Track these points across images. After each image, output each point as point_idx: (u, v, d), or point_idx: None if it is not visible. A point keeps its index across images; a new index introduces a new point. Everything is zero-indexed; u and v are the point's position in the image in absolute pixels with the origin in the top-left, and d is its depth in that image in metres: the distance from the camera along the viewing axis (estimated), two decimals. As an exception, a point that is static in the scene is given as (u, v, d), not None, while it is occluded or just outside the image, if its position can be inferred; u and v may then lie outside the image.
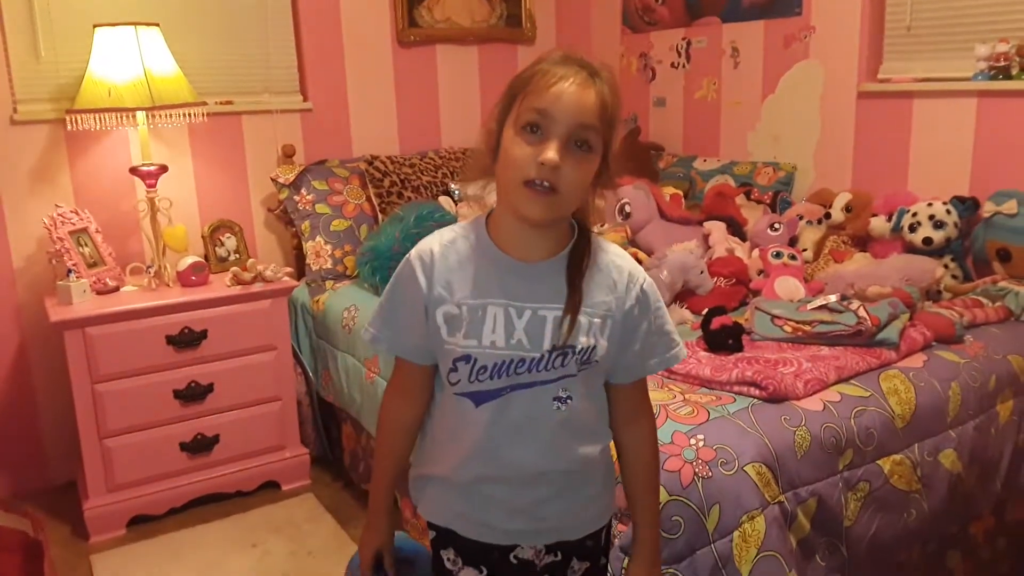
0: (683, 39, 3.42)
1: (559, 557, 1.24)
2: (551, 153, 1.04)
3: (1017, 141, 2.42)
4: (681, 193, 3.11)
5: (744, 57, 3.19)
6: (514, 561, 1.22)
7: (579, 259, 1.14)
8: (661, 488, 1.44)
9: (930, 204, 2.44)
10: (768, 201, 2.94)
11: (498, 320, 1.11)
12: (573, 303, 1.11)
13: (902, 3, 2.71)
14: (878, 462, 1.68)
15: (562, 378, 1.13)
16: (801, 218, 2.75)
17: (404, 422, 1.26)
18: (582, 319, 1.12)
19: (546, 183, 1.05)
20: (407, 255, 1.18)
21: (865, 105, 2.81)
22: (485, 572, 1.23)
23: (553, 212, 1.08)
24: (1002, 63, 2.41)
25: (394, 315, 1.20)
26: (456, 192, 3.04)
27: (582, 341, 1.12)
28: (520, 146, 1.06)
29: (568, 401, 1.14)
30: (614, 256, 1.18)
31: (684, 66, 3.44)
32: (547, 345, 1.11)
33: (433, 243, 1.17)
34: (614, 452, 1.26)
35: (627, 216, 2.82)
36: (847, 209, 2.73)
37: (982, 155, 2.51)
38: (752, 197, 2.98)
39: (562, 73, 1.07)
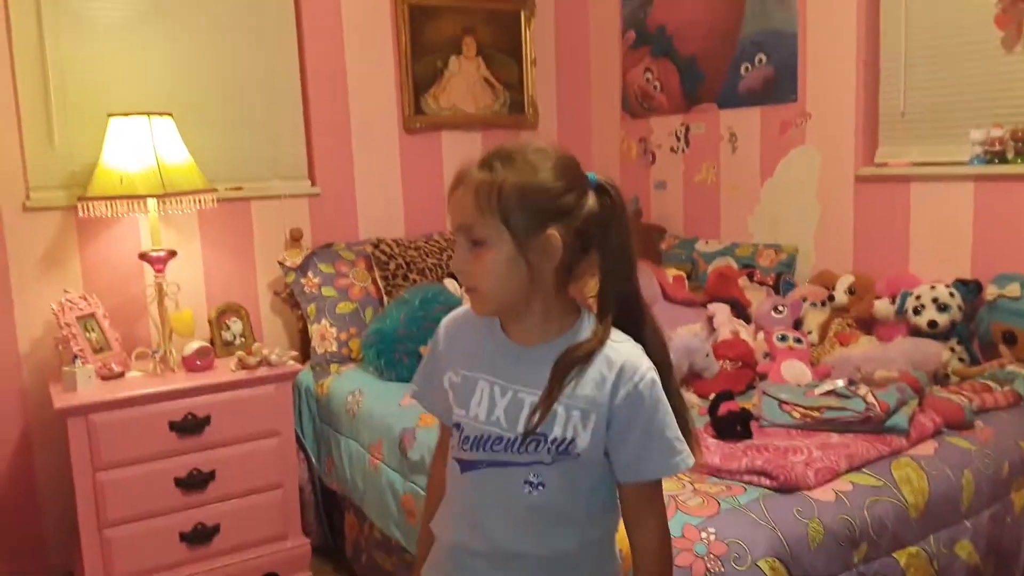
0: (682, 124, 3.50)
1: None
2: (452, 262, 1.17)
3: (1016, 224, 2.45)
4: (684, 275, 3.13)
5: (742, 142, 3.26)
6: None
7: (573, 351, 1.11)
8: (673, 585, 1.41)
9: (933, 287, 2.45)
10: (771, 283, 2.96)
11: (484, 395, 1.16)
12: (548, 392, 1.11)
13: (896, 89, 2.78)
14: (894, 555, 1.64)
15: (534, 463, 1.12)
16: (805, 300, 2.76)
17: (442, 483, 1.28)
18: (560, 410, 1.11)
19: (467, 285, 1.15)
20: (442, 319, 1.28)
21: (863, 189, 2.86)
22: None
23: (484, 306, 1.15)
24: (997, 147, 2.46)
25: (427, 373, 1.30)
26: (461, 275, 3.06)
27: (556, 432, 1.11)
28: None
29: (540, 488, 1.13)
30: (609, 350, 1.12)
31: (683, 150, 3.51)
32: (520, 428, 1.12)
33: (459, 312, 1.27)
34: (623, 547, 1.23)
35: (631, 298, 2.83)
36: (850, 291, 2.74)
37: (982, 238, 2.54)
38: (755, 279, 3.00)
39: (457, 177, 1.14)
